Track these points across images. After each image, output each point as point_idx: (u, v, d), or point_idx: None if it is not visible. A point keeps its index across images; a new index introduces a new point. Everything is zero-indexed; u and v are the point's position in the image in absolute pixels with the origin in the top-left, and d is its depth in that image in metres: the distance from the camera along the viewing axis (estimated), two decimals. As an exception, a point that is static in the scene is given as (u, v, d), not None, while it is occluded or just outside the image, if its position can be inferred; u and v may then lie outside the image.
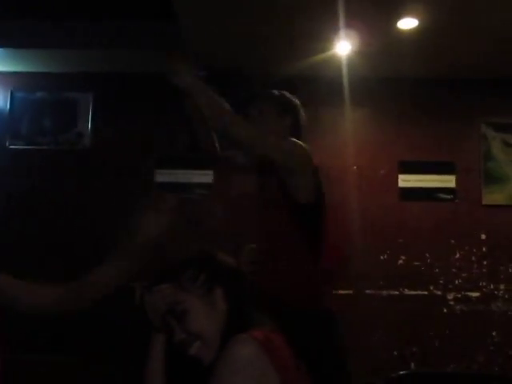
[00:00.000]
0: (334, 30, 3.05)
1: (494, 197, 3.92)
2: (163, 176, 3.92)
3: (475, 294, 3.86)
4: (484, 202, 3.91)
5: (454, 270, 3.87)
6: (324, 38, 3.22)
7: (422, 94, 3.99)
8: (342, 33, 3.04)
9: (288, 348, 1.28)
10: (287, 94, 2.25)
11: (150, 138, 3.99)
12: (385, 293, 3.82)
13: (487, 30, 3.21)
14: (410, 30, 3.14)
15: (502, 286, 3.86)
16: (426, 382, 1.66)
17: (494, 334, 3.80)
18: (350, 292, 3.75)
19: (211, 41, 3.40)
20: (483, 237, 3.89)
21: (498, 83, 3.95)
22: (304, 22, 3.03)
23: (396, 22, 3.05)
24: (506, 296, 3.86)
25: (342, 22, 2.87)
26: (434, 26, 3.11)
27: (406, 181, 3.93)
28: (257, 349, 1.19)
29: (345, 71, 3.60)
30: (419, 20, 3.05)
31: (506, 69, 3.79)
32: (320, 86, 3.80)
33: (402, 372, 1.72)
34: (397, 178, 3.93)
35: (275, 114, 2.16)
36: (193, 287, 1.31)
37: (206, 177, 3.91)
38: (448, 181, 3.93)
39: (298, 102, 2.25)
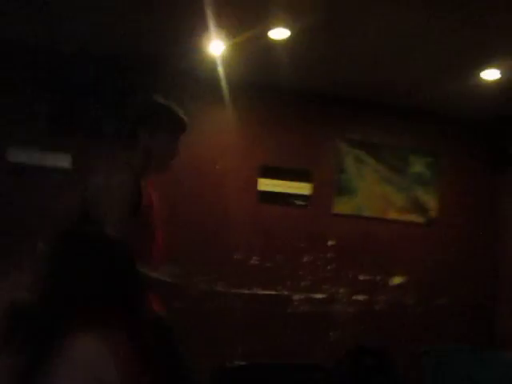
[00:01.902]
0: (207, 30, 3.07)
1: (342, 207, 4.22)
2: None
3: (319, 296, 4.12)
4: (334, 211, 4.20)
5: (301, 272, 4.10)
6: (197, 36, 3.22)
7: (289, 103, 4.18)
8: (215, 32, 3.07)
9: (130, 346, 1.29)
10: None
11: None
12: (236, 291, 3.92)
13: (354, 50, 3.44)
14: (282, 40, 3.25)
15: (341, 290, 4.17)
16: (254, 373, 1.75)
17: (331, 333, 4.09)
18: (202, 289, 3.79)
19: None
20: (330, 243, 4.17)
21: (357, 102, 4.27)
22: (177, 19, 3.02)
23: (267, 31, 3.14)
24: (345, 299, 4.17)
25: (213, 22, 2.90)
26: (304, 39, 3.25)
27: (265, 185, 4.08)
28: (96, 346, 1.20)
29: (218, 72, 3.65)
30: (291, 31, 3.16)
31: (366, 89, 4.10)
32: (191, 85, 3.82)
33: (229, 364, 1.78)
34: (256, 182, 4.06)
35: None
36: None
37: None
38: (303, 188, 4.15)
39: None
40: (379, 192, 4.31)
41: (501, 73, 3.57)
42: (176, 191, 3.77)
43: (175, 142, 2.38)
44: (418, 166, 4.43)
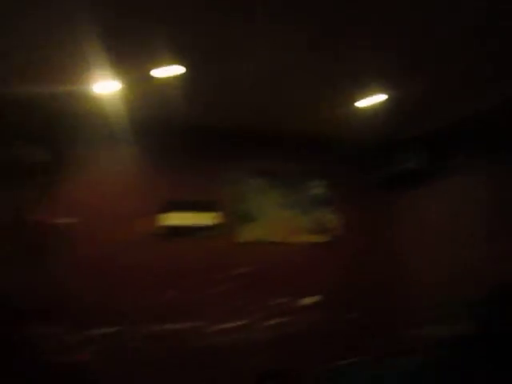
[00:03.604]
0: (94, 69, 3.07)
1: (247, 235, 4.31)
2: None
3: (232, 325, 4.13)
4: (239, 240, 4.27)
5: (213, 302, 4.09)
6: (82, 75, 3.22)
7: (186, 139, 4.23)
8: (104, 72, 3.08)
9: None
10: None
11: None
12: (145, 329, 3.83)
13: (239, 85, 3.58)
14: (176, 76, 3.30)
15: (254, 316, 4.20)
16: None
17: (251, 361, 4.09)
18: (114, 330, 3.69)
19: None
20: (239, 271, 4.22)
21: (254, 133, 4.42)
22: (64, 56, 3.01)
23: (161, 68, 3.20)
24: (259, 325, 4.21)
25: (103, 60, 2.92)
26: (199, 75, 3.34)
27: (170, 219, 4.06)
28: None
29: (109, 110, 3.64)
30: (186, 68, 3.23)
31: (260, 120, 4.28)
32: (82, 124, 3.80)
33: None
34: (161, 217, 4.06)
35: None
36: None
37: None
38: (208, 218, 4.20)
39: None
40: (281, 217, 4.45)
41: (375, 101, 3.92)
42: (81, 235, 3.68)
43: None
44: (316, 189, 4.64)
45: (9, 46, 2.91)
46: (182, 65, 3.19)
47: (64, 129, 3.75)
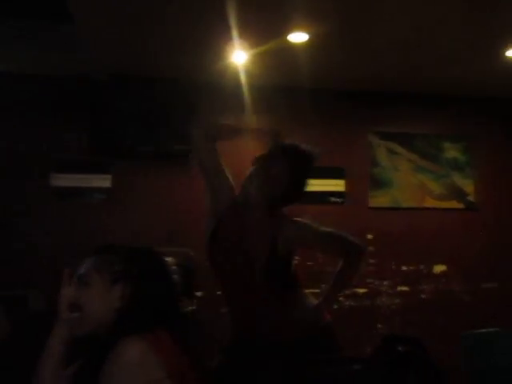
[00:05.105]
0: (229, 40, 3.17)
1: (378, 200, 4.25)
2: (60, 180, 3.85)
3: (362, 291, 4.16)
4: (370, 205, 4.23)
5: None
6: (220, 47, 3.33)
7: (315, 104, 4.22)
8: (237, 43, 3.17)
9: (176, 346, 1.40)
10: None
11: (45, 140, 3.90)
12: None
13: (372, 46, 3.49)
14: (301, 43, 3.33)
15: (385, 283, 4.19)
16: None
17: (379, 326, 4.12)
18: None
19: (108, 44, 3.41)
20: (370, 237, 4.20)
21: (382, 95, 4.29)
22: (199, 30, 3.13)
23: (287, 36, 3.22)
24: (390, 291, 4.19)
25: (235, 32, 3.00)
26: (322, 41, 3.32)
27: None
28: (144, 348, 1.31)
29: (242, 80, 3.74)
30: (309, 34, 3.24)
31: (388, 83, 4.13)
32: (219, 95, 3.92)
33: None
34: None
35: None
36: (99, 278, 1.45)
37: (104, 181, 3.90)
38: (338, 185, 4.20)
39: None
40: (415, 181, 4.31)
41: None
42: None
43: None
44: (451, 152, 4.41)
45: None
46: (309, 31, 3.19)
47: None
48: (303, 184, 2.21)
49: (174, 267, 3.70)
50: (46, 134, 3.88)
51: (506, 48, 3.55)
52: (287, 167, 2.12)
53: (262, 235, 2.10)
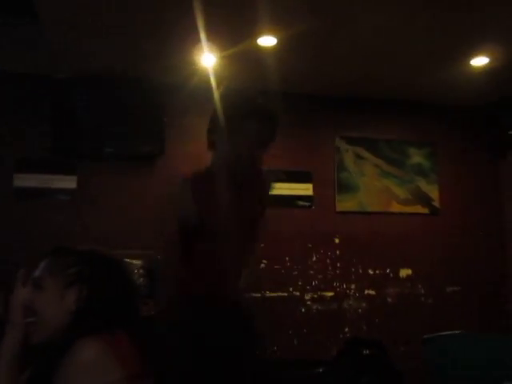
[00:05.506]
0: (197, 43, 3.16)
1: (345, 204, 4.28)
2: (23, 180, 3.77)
3: (330, 294, 4.18)
4: (337, 209, 4.26)
5: (311, 271, 4.16)
6: (188, 49, 3.32)
7: (284, 108, 4.22)
8: (205, 45, 3.16)
9: (135, 347, 1.38)
10: None
11: (8, 139, 3.81)
12: (247, 296, 3.97)
13: (337, 51, 3.52)
14: (270, 47, 3.34)
15: (352, 286, 4.22)
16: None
17: (346, 329, 4.15)
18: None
19: (73, 44, 3.36)
20: (336, 241, 4.23)
21: (350, 100, 4.34)
22: (165, 31, 3.12)
23: (256, 39, 3.23)
24: (357, 295, 4.23)
25: (203, 34, 2.99)
26: (290, 45, 3.34)
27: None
28: (100, 348, 1.29)
29: (212, 82, 3.72)
30: (277, 38, 3.26)
31: (354, 88, 4.18)
32: (187, 97, 3.89)
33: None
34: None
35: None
36: (53, 282, 1.41)
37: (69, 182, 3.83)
38: (306, 189, 4.22)
39: None
40: (381, 186, 4.37)
41: (489, 59, 3.63)
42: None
43: None
44: (416, 158, 4.49)
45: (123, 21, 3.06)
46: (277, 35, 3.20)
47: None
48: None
49: (140, 270, 3.65)
50: (8, 133, 3.79)
51: (471, 56, 3.63)
52: (262, 126, 2.10)
53: (254, 194, 2.20)
